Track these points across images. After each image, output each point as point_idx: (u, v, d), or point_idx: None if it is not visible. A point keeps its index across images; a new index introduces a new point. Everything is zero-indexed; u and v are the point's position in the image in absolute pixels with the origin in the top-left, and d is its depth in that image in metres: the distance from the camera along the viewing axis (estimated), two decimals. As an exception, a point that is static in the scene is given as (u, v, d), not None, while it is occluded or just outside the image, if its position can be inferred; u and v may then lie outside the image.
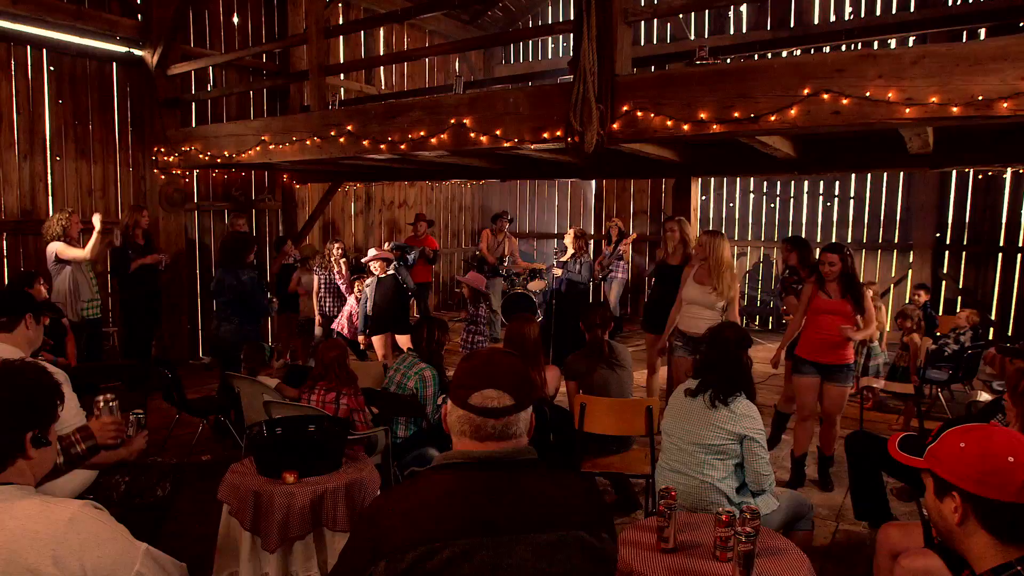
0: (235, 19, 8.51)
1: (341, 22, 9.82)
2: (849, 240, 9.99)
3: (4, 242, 6.70)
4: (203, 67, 7.68)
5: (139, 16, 7.45)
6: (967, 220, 9.14)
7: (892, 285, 9.67)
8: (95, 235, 5.92)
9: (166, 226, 7.67)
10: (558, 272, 7.93)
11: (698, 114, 4.23)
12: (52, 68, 6.96)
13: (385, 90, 10.52)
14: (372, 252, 6.67)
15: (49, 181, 6.98)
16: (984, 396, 5.22)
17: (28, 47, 6.79)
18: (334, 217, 9.80)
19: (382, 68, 10.55)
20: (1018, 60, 3.39)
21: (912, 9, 9.12)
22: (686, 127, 4.30)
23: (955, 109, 3.57)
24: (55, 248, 5.79)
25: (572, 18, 4.62)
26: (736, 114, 4.11)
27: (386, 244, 6.82)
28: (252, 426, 3.18)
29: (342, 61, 9.88)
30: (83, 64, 7.20)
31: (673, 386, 5.30)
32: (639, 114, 4.42)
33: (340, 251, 6.91)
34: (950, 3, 8.91)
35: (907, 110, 3.66)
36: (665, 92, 4.32)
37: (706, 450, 3.10)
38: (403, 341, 6.66)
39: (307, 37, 6.19)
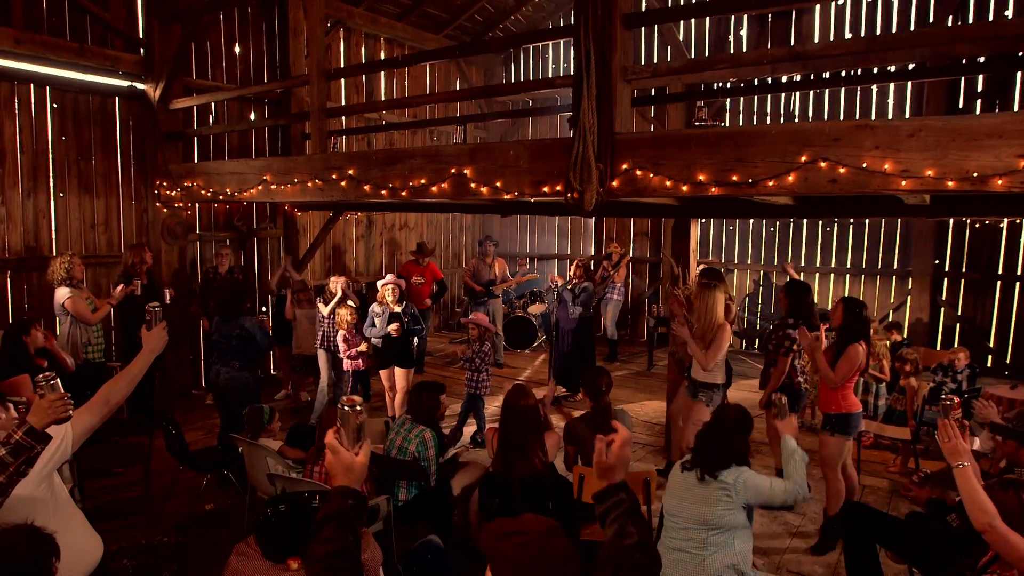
0: (237, 49, 8.54)
1: (342, 47, 9.89)
2: (848, 265, 10.04)
3: (8, 279, 6.74)
4: (205, 103, 7.71)
5: (141, 51, 7.48)
6: (966, 248, 9.17)
7: (891, 311, 9.70)
8: (105, 306, 6.02)
9: (168, 258, 7.72)
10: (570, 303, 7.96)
11: (697, 175, 4.27)
12: (55, 105, 7.00)
13: (386, 113, 10.57)
14: (390, 276, 6.71)
15: (52, 217, 7.03)
16: (977, 443, 5.25)
17: (31, 85, 6.83)
18: (336, 242, 9.84)
19: (383, 88, 10.58)
20: (1013, 138, 3.42)
21: (912, 27, 9.15)
22: (685, 188, 4.33)
23: (951, 183, 3.61)
24: (64, 296, 5.84)
25: (572, 73, 4.64)
26: (734, 178, 4.14)
27: (389, 277, 6.85)
28: (259, 509, 3.21)
29: (343, 86, 9.95)
30: (86, 100, 7.24)
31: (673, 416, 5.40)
32: (638, 173, 4.46)
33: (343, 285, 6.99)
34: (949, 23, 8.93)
35: (903, 182, 3.70)
36: (664, 152, 4.36)
37: (707, 528, 3.15)
38: (401, 375, 6.71)
39: (308, 79, 6.22)
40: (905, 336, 8.22)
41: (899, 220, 9.65)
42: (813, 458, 4.72)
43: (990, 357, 9.13)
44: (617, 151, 4.50)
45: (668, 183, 4.38)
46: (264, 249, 8.98)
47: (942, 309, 9.36)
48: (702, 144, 4.22)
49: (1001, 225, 8.39)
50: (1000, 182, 3.48)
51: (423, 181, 5.43)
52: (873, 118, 9.51)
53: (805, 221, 10.26)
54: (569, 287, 7.85)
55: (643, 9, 10.89)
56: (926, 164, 3.63)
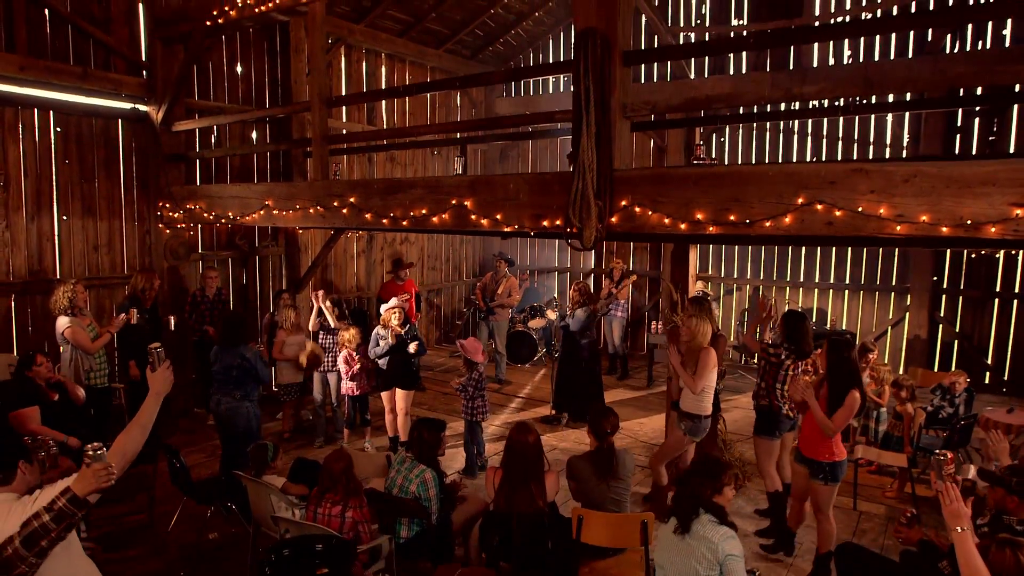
0: (239, 68, 8.59)
1: (343, 64, 9.94)
2: (847, 281, 10.08)
3: (12, 302, 6.80)
4: (207, 125, 7.76)
5: (144, 73, 7.53)
6: (964, 265, 9.21)
7: (889, 327, 9.75)
8: (105, 335, 6.08)
9: (171, 279, 7.77)
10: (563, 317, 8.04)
11: (695, 214, 4.32)
12: (59, 129, 7.06)
13: (386, 126, 10.61)
14: (395, 301, 6.76)
15: (56, 240, 7.08)
16: (972, 471, 5.29)
17: (35, 110, 6.89)
18: (337, 258, 9.89)
19: (384, 106, 10.63)
20: (1006, 186, 3.47)
21: (909, 55, 9.20)
22: (683, 226, 4.38)
23: (944, 229, 3.66)
24: (64, 325, 5.90)
25: (572, 107, 4.69)
26: (732, 217, 4.19)
27: (395, 300, 6.90)
28: (262, 544, 3.27)
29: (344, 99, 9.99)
30: (89, 123, 7.30)
31: (665, 449, 5.44)
32: (637, 210, 4.51)
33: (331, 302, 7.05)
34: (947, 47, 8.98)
35: (898, 227, 3.75)
36: (663, 190, 4.41)
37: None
38: (403, 396, 6.78)
39: (310, 105, 6.27)
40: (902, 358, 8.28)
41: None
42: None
43: (988, 374, 9.18)
44: (616, 188, 4.55)
45: (667, 220, 4.43)
46: (266, 267, 9.03)
47: (940, 326, 9.41)
48: (700, 183, 4.27)
49: (997, 255, 8.45)
50: (994, 229, 3.53)
51: (424, 211, 5.49)
52: (871, 154, 9.55)
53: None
54: (568, 314, 7.93)
55: (644, 20, 10.94)
56: (921, 209, 3.68)
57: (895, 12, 9.35)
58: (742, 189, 4.14)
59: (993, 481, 3.42)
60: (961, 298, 9.28)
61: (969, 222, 3.57)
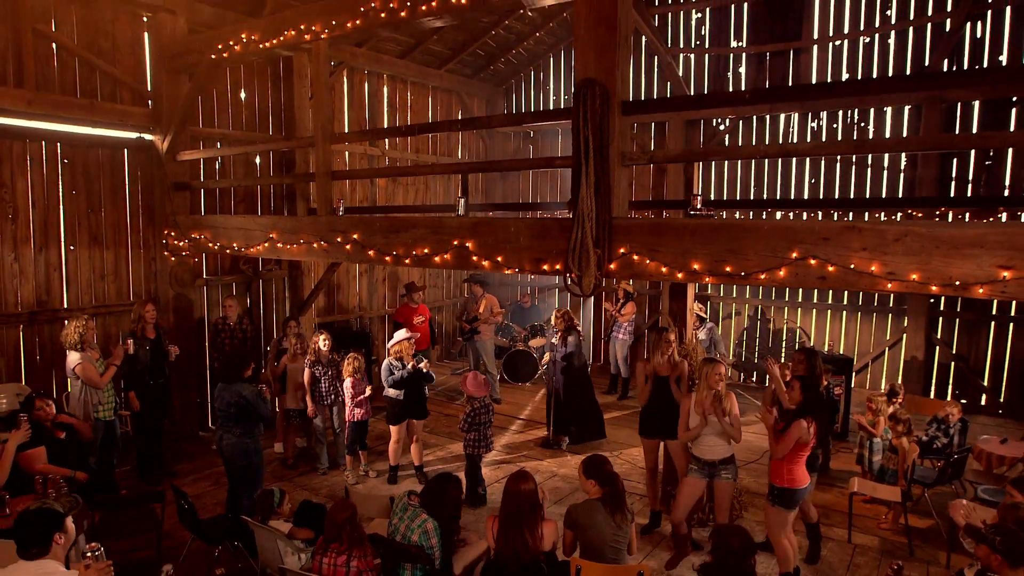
0: (242, 94, 8.68)
1: (345, 86, 10.04)
2: (845, 302, 10.17)
3: (21, 332, 6.90)
4: (212, 156, 7.86)
5: (149, 103, 7.63)
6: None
7: (887, 348, 9.84)
8: (112, 368, 6.20)
9: (177, 305, 7.87)
10: (547, 356, 8.24)
11: (691, 264, 4.41)
12: (66, 160, 7.16)
13: (389, 149, 10.72)
14: (402, 334, 6.86)
15: (64, 271, 7.18)
16: (964, 505, 5.38)
17: (43, 142, 6.99)
18: (339, 280, 9.99)
19: (386, 119, 10.72)
20: (994, 248, 3.56)
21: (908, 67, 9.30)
22: (680, 275, 4.48)
23: (934, 287, 3.75)
24: (74, 362, 6.00)
25: (571, 155, 4.78)
26: (728, 269, 4.28)
27: (402, 331, 7.01)
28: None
29: (347, 122, 10.09)
30: (96, 153, 7.40)
31: (684, 501, 5.44)
32: (635, 257, 4.60)
33: (328, 344, 7.14)
34: (945, 67, 9.07)
35: (889, 284, 3.84)
36: (660, 240, 4.50)
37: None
38: (418, 425, 7.00)
39: (314, 141, 6.37)
40: (899, 380, 8.37)
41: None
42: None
43: (984, 396, 9.27)
44: (615, 235, 4.64)
45: (664, 269, 4.52)
46: (269, 290, 9.13)
47: (937, 347, 9.50)
48: (697, 234, 4.36)
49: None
50: (981, 290, 3.62)
51: (426, 250, 5.58)
52: (865, 216, 9.57)
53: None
54: (557, 342, 8.06)
55: (644, 41, 11.04)
56: (911, 268, 3.78)
57: (892, 37, 9.46)
58: (738, 241, 4.23)
59: (978, 539, 3.51)
60: (958, 320, 9.37)
61: (958, 283, 3.66)
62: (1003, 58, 8.81)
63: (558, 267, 4.90)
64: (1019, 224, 3.68)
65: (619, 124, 4.65)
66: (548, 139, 12.26)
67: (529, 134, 12.51)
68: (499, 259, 5.20)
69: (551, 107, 12.12)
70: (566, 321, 8.11)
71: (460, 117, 12.05)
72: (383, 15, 5.66)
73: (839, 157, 9.84)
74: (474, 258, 5.33)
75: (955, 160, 9.17)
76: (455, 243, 5.39)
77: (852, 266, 3.91)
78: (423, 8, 5.46)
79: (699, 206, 4.57)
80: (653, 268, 4.56)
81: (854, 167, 9.83)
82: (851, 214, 9.63)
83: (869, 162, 9.38)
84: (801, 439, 4.66)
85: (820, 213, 9.67)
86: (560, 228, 4.88)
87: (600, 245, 4.61)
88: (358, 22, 5.82)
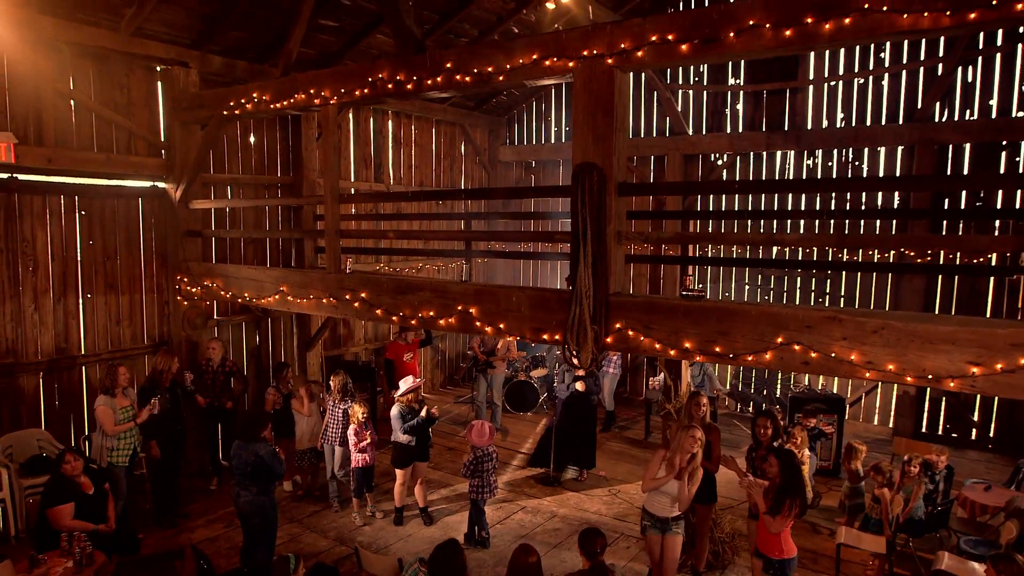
0: (252, 138, 8.94)
1: (351, 124, 10.28)
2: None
3: (41, 379, 7.16)
4: (223, 206, 8.12)
5: (163, 153, 7.88)
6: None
7: (879, 383, 10.07)
8: (128, 424, 6.50)
9: (189, 347, 8.13)
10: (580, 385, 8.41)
11: (683, 343, 4.66)
12: (84, 212, 7.42)
13: (393, 183, 10.98)
14: (409, 383, 7.12)
15: (81, 318, 7.44)
16: (946, 561, 5.62)
17: (62, 196, 7.25)
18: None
19: (391, 163, 10.98)
20: (965, 346, 3.81)
21: (900, 121, 9.51)
22: (672, 352, 4.73)
23: (909, 378, 4.00)
24: (97, 403, 6.32)
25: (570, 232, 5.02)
26: (717, 349, 4.54)
27: (408, 379, 7.29)
28: None
29: (352, 159, 10.35)
30: (112, 203, 7.65)
31: (657, 562, 5.66)
32: (630, 333, 4.85)
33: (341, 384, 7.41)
34: (936, 119, 9.30)
35: (868, 373, 4.09)
36: (654, 318, 4.75)
37: None
38: (423, 467, 7.30)
39: (323, 200, 6.61)
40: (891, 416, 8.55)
41: (888, 290, 10.01)
42: None
43: (974, 430, 9.50)
44: (611, 312, 4.89)
45: (657, 346, 4.77)
46: (278, 328, 9.39)
47: (928, 382, 9.71)
48: (688, 315, 4.61)
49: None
50: (952, 384, 3.88)
51: (432, 313, 5.84)
52: (843, 306, 9.74)
53: (798, 291, 10.62)
54: (565, 379, 8.29)
55: (643, 77, 11.26)
56: (888, 359, 4.02)
57: (885, 79, 9.68)
58: (727, 324, 4.48)
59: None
60: (948, 356, 9.57)
61: (931, 375, 3.91)
62: (993, 102, 9.03)
63: (557, 337, 5.15)
64: (989, 323, 3.91)
65: (616, 205, 4.90)
66: (549, 168, 12.52)
67: (531, 163, 12.76)
68: (501, 326, 5.46)
69: (552, 137, 12.37)
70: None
71: (463, 148, 12.31)
72: (390, 86, 5.91)
73: (833, 196, 10.07)
74: (477, 323, 5.58)
75: (946, 200, 9.39)
76: (459, 308, 5.64)
77: (833, 354, 4.16)
78: (428, 83, 5.71)
79: (691, 286, 4.81)
80: (647, 344, 4.81)
81: (848, 204, 10.06)
82: (844, 252, 9.89)
83: (863, 202, 9.60)
84: (788, 516, 4.91)
85: (815, 250, 9.92)
86: (559, 300, 5.13)
87: (597, 321, 4.86)
88: (366, 91, 6.07)
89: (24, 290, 7.00)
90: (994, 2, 3.55)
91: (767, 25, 4.17)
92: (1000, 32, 8.85)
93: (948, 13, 3.67)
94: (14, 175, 6.81)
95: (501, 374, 10.06)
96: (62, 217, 7.27)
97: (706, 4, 10.76)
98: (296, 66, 7.20)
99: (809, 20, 4.04)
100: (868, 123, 9.75)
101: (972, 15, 3.63)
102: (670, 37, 4.50)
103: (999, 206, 8.84)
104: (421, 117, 11.37)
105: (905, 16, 3.78)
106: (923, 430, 9.76)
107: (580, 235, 4.86)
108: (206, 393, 7.79)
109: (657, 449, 5.76)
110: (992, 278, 9.02)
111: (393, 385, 8.13)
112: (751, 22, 4.22)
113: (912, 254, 8.98)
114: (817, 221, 9.08)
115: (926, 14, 3.73)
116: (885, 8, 3.82)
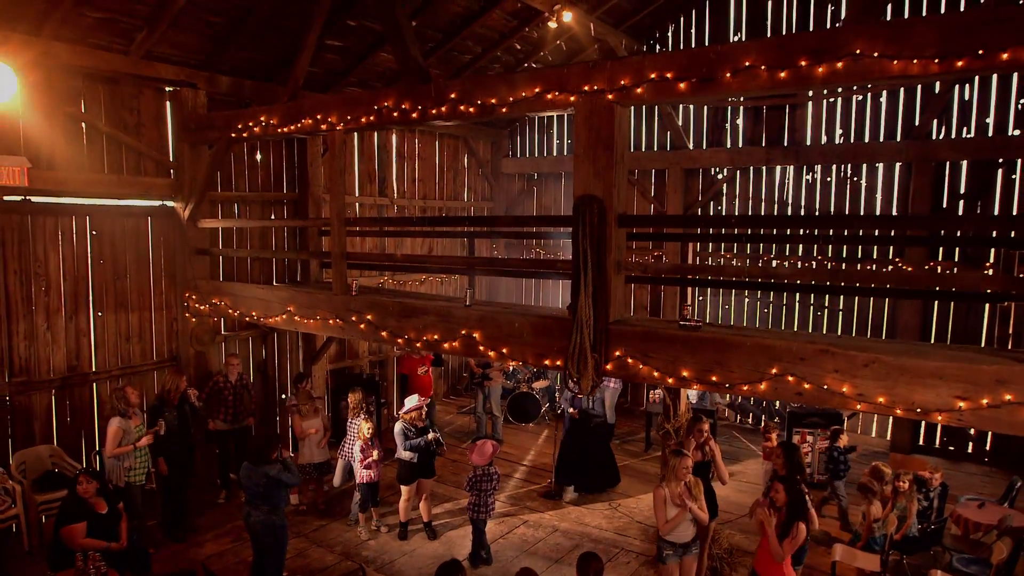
0: (258, 156, 9.08)
1: (356, 139, 10.43)
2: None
3: (52, 397, 7.31)
4: (231, 227, 8.27)
5: (171, 172, 8.03)
6: (949, 336, 9.63)
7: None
8: (129, 447, 6.60)
9: (197, 363, 8.27)
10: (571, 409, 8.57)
11: (681, 371, 4.80)
12: (95, 232, 7.56)
13: (397, 196, 11.12)
14: (414, 402, 7.27)
15: (92, 336, 7.59)
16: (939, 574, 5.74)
17: (73, 217, 7.40)
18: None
19: (395, 177, 11.13)
20: (952, 381, 3.94)
21: (898, 138, 9.63)
22: (671, 380, 4.87)
23: (899, 411, 4.14)
24: (111, 426, 6.48)
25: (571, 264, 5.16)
26: (714, 378, 4.67)
27: (414, 398, 7.44)
28: None
29: (357, 173, 10.50)
30: (122, 224, 7.80)
31: None
32: (630, 361, 4.98)
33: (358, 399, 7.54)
34: (934, 136, 9.42)
35: (859, 405, 4.23)
36: (653, 347, 4.88)
37: None
38: (428, 483, 7.47)
39: (329, 224, 6.75)
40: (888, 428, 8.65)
41: (886, 305, 10.14)
42: None
43: (971, 444, 9.61)
44: (611, 340, 5.02)
45: (656, 374, 4.91)
46: (283, 342, 9.54)
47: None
48: (686, 345, 4.75)
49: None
50: (940, 417, 4.01)
51: (436, 336, 5.97)
52: (838, 335, 9.84)
53: (797, 305, 10.75)
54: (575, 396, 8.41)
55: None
56: (878, 392, 4.15)
57: (883, 96, 9.80)
58: (723, 354, 4.61)
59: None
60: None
61: (919, 409, 4.04)
62: (990, 120, 9.14)
63: (559, 363, 5.29)
64: (976, 358, 4.04)
65: (615, 236, 5.03)
66: (551, 181, 12.66)
67: (533, 176, 12.89)
68: (504, 351, 5.59)
69: (554, 150, 12.51)
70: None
71: (466, 161, 12.45)
72: (395, 115, 6.05)
73: (832, 206, 10.20)
74: (481, 348, 5.72)
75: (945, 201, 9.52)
76: (463, 332, 5.78)
77: (826, 386, 4.29)
78: (433, 112, 5.85)
79: (689, 316, 4.94)
80: (646, 372, 4.94)
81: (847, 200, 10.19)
82: (843, 264, 10.02)
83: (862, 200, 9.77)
84: (796, 540, 5.02)
85: (813, 262, 10.06)
86: (560, 328, 5.26)
87: (597, 349, 4.99)
88: (372, 118, 6.21)
89: (37, 309, 7.15)
90: (980, 52, 3.68)
91: (762, 66, 4.30)
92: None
93: (936, 61, 3.80)
94: (27, 198, 6.96)
95: (498, 386, 10.20)
96: (74, 237, 7.42)
97: (706, 34, 10.91)
98: (302, 84, 7.34)
99: (803, 63, 4.17)
100: (867, 139, 9.86)
101: (959, 63, 3.76)
102: (668, 75, 4.63)
103: (996, 212, 8.95)
104: (424, 131, 11.51)
105: (895, 62, 3.91)
106: (920, 443, 9.88)
107: (581, 265, 4.99)
108: (220, 411, 7.94)
109: (656, 489, 5.64)
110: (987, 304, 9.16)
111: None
112: (747, 63, 4.35)
113: (909, 269, 9.17)
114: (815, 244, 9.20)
115: (915, 61, 3.87)
116: (876, 54, 3.95)
